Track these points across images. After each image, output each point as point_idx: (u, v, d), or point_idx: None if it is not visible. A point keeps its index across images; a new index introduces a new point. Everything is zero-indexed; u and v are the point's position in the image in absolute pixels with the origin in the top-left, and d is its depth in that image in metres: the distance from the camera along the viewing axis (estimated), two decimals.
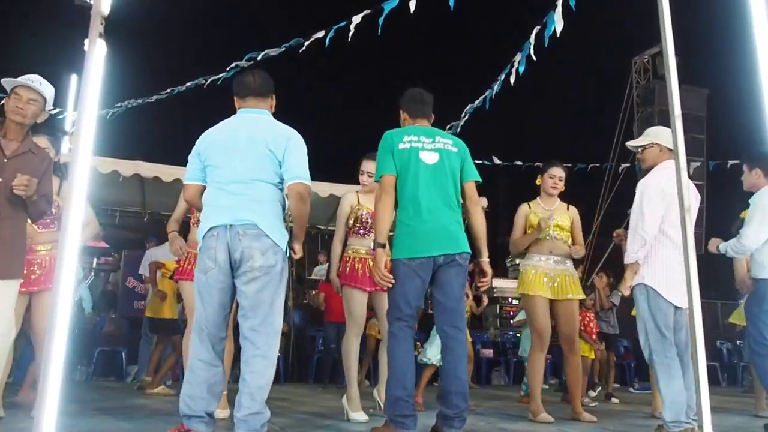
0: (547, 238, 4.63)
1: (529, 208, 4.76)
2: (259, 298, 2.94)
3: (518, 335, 9.66)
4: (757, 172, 4.21)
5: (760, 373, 4.13)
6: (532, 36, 6.17)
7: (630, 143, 4.15)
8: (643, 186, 3.76)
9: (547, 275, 4.58)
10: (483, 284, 3.60)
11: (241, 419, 2.84)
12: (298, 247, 3.19)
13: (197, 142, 3.19)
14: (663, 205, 3.64)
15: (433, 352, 5.21)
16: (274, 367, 2.98)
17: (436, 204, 3.36)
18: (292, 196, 3.08)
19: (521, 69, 6.61)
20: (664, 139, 3.85)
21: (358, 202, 4.52)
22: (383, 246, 3.38)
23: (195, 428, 2.88)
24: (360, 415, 4.19)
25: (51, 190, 3.52)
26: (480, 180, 3.57)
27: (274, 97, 3.34)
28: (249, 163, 3.03)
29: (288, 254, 3.11)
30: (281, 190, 3.13)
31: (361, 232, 4.47)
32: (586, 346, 6.73)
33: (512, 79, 6.87)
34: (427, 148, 3.44)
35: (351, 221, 4.48)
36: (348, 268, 4.40)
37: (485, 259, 3.50)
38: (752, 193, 4.21)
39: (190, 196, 3.23)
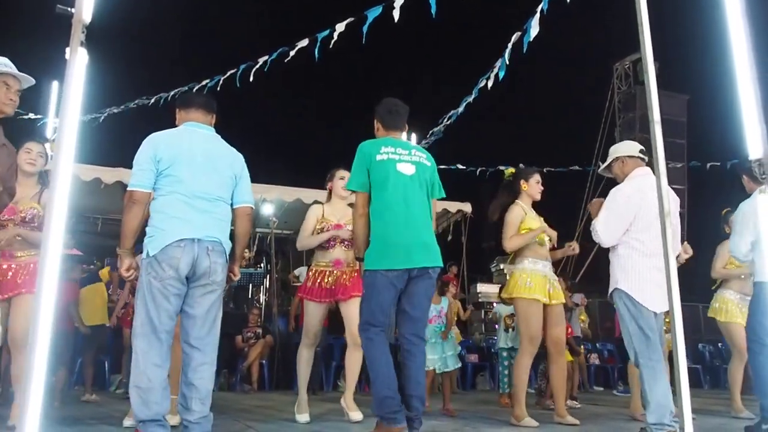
0: (544, 244, 4.72)
1: (523, 210, 4.74)
2: (211, 310, 3.16)
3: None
4: (746, 179, 4.36)
5: (755, 369, 4.20)
6: (511, 42, 6.24)
7: (600, 171, 4.28)
8: (612, 194, 3.84)
9: (545, 280, 4.63)
10: None
11: (194, 422, 3.03)
12: (237, 270, 3.43)
13: (153, 147, 3.15)
14: (629, 214, 3.69)
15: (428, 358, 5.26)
16: (215, 374, 3.22)
17: (414, 216, 3.41)
18: (242, 218, 3.37)
19: (501, 74, 6.69)
20: (621, 151, 4.01)
21: (323, 216, 4.61)
22: (362, 260, 3.52)
23: None
24: (303, 417, 4.42)
25: (14, 184, 3.44)
26: (445, 197, 3.73)
27: (215, 117, 3.47)
28: (215, 182, 3.22)
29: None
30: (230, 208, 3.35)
31: (325, 245, 4.57)
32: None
33: (489, 83, 6.95)
34: (404, 159, 3.50)
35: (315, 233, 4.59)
36: (309, 282, 4.55)
37: None
38: (744, 196, 4.32)
39: (141, 204, 3.13)
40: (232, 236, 3.36)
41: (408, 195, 3.42)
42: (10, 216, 3.93)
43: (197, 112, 3.36)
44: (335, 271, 4.50)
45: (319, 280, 4.52)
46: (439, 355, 5.61)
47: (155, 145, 3.16)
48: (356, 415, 4.41)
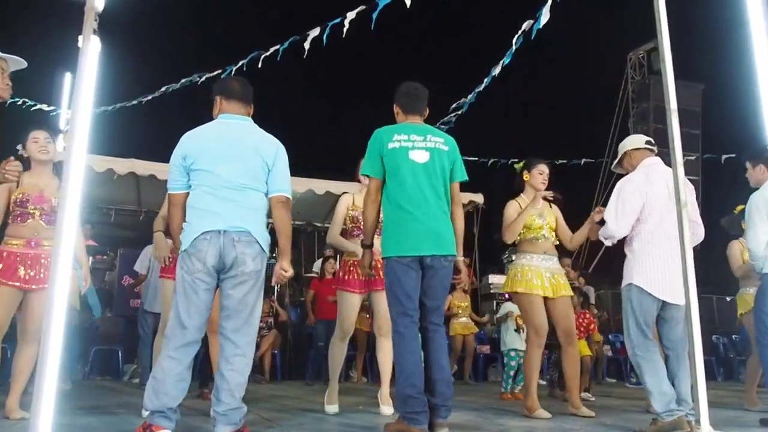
0: (543, 238, 4.67)
1: (519, 206, 4.74)
2: (245, 301, 3.08)
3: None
4: (762, 168, 4.26)
5: (765, 363, 4.19)
6: (521, 30, 6.19)
7: (613, 168, 4.28)
8: (619, 185, 3.83)
9: (543, 274, 4.61)
10: (457, 281, 3.71)
11: (221, 414, 3.00)
12: (287, 264, 3.32)
13: (181, 146, 3.19)
14: (638, 203, 3.70)
15: None
16: (251, 365, 3.15)
17: (426, 203, 3.36)
18: (277, 207, 3.24)
19: (506, 60, 6.68)
20: (627, 145, 4.03)
21: (353, 203, 4.59)
22: (370, 246, 3.56)
23: (158, 424, 2.94)
24: (332, 408, 4.43)
25: None
26: (467, 180, 3.61)
27: (252, 105, 3.42)
28: (240, 170, 3.14)
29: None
30: (266, 197, 3.24)
31: (356, 232, 4.53)
32: (583, 345, 6.74)
33: (497, 70, 6.93)
34: (418, 146, 3.43)
35: (347, 222, 4.57)
36: (342, 272, 4.50)
37: (460, 258, 3.60)
38: (753, 189, 4.25)
39: (177, 205, 3.21)
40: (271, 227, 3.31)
41: (420, 183, 3.36)
42: (39, 204, 3.91)
43: (237, 103, 3.31)
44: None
45: (353, 271, 4.47)
46: None
47: (183, 144, 3.19)
48: (387, 409, 4.41)
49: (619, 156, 4.09)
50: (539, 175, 4.76)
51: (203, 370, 5.51)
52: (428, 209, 3.36)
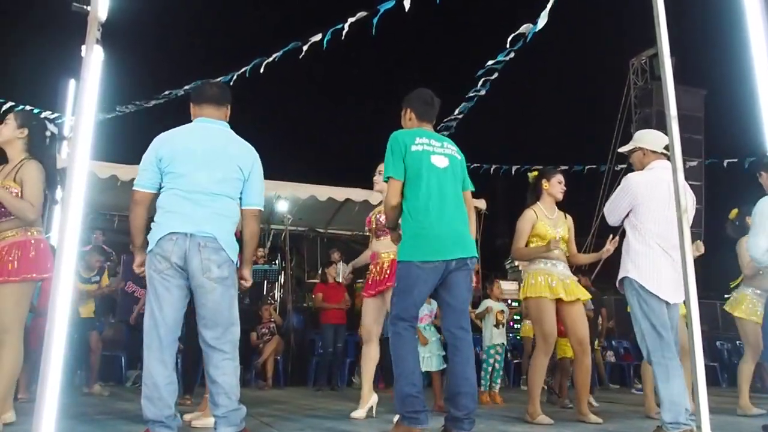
0: (557, 251, 4.66)
1: (536, 215, 4.70)
2: (219, 309, 3.08)
3: (518, 337, 9.67)
4: (764, 176, 4.24)
5: None
6: (518, 32, 6.20)
7: (620, 149, 4.25)
8: (624, 179, 3.83)
9: (556, 279, 4.58)
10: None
11: (221, 416, 3.04)
12: (248, 274, 3.34)
13: (155, 147, 3.16)
14: (628, 203, 3.72)
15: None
16: (239, 367, 3.17)
17: (448, 208, 3.37)
18: (250, 219, 3.29)
19: (501, 64, 6.74)
20: (646, 142, 3.94)
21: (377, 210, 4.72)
22: (394, 228, 3.55)
23: None
24: (358, 413, 4.39)
25: None
26: (474, 190, 3.68)
27: (229, 107, 3.41)
28: (216, 176, 3.14)
29: (237, 266, 3.25)
30: (237, 206, 3.26)
31: (379, 233, 4.65)
32: (568, 347, 6.68)
33: (494, 76, 6.97)
34: (438, 152, 3.46)
35: (373, 226, 4.68)
36: (367, 277, 4.59)
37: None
38: (755, 195, 4.23)
39: (143, 204, 3.17)
40: (241, 236, 3.29)
41: (442, 187, 3.37)
42: None
43: (209, 107, 3.30)
44: (377, 266, 4.56)
45: (374, 272, 4.59)
46: (422, 355, 5.26)
47: (157, 144, 3.17)
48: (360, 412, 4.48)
49: (633, 145, 4.01)
50: (558, 183, 4.78)
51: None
52: (451, 213, 3.38)
